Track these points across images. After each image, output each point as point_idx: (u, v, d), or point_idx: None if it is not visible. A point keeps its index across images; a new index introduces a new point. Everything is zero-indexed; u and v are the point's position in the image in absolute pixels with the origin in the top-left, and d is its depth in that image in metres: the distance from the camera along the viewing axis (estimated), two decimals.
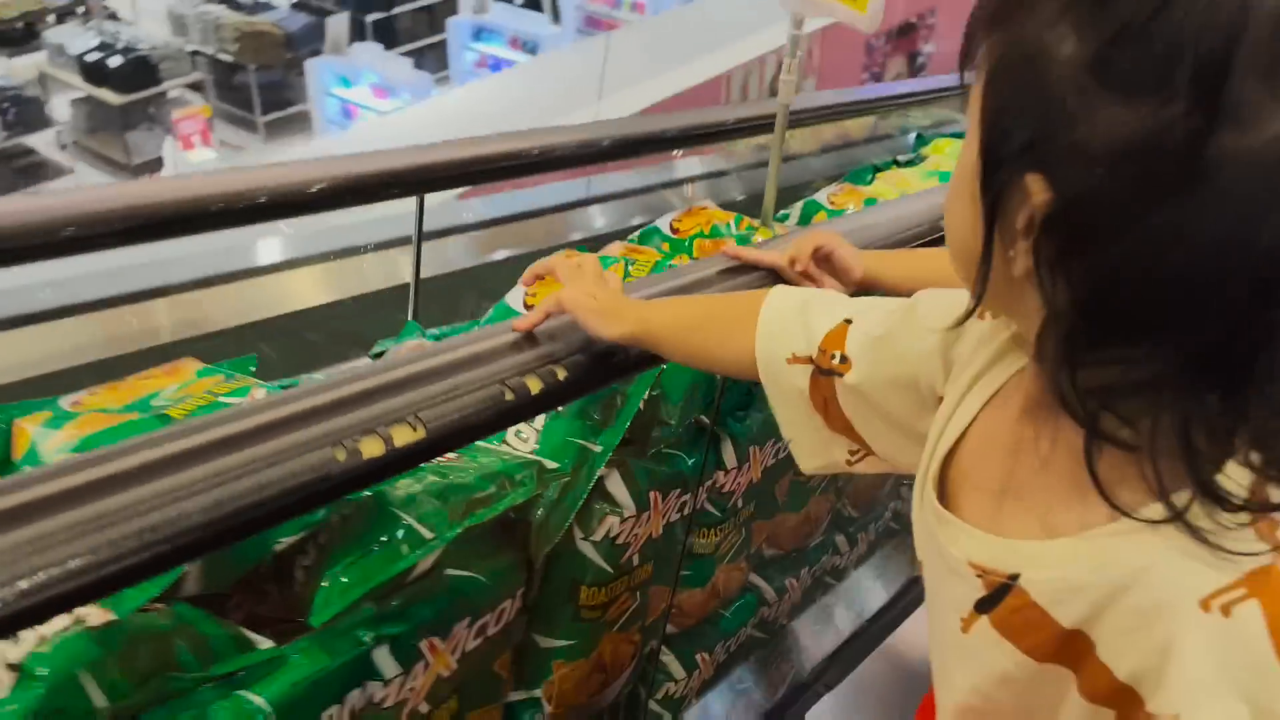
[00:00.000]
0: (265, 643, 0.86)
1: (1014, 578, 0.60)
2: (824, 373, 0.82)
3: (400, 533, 0.92)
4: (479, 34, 10.09)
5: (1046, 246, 0.54)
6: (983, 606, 0.62)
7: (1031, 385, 0.62)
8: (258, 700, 0.82)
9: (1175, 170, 0.48)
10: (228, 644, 0.84)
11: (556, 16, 10.65)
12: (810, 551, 1.76)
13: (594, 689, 1.28)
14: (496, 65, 9.80)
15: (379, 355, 1.37)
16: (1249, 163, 0.47)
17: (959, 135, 2.79)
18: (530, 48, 9.87)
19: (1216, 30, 0.47)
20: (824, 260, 1.12)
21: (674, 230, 1.62)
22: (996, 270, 0.57)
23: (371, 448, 0.78)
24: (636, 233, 1.63)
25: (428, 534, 0.93)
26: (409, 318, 1.50)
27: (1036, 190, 0.53)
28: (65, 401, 1.00)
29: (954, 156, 2.38)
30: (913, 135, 2.77)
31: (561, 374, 0.92)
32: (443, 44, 10.41)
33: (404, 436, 0.80)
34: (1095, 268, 0.52)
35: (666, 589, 1.34)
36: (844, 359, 0.80)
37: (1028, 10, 0.53)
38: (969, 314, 0.62)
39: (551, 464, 1.05)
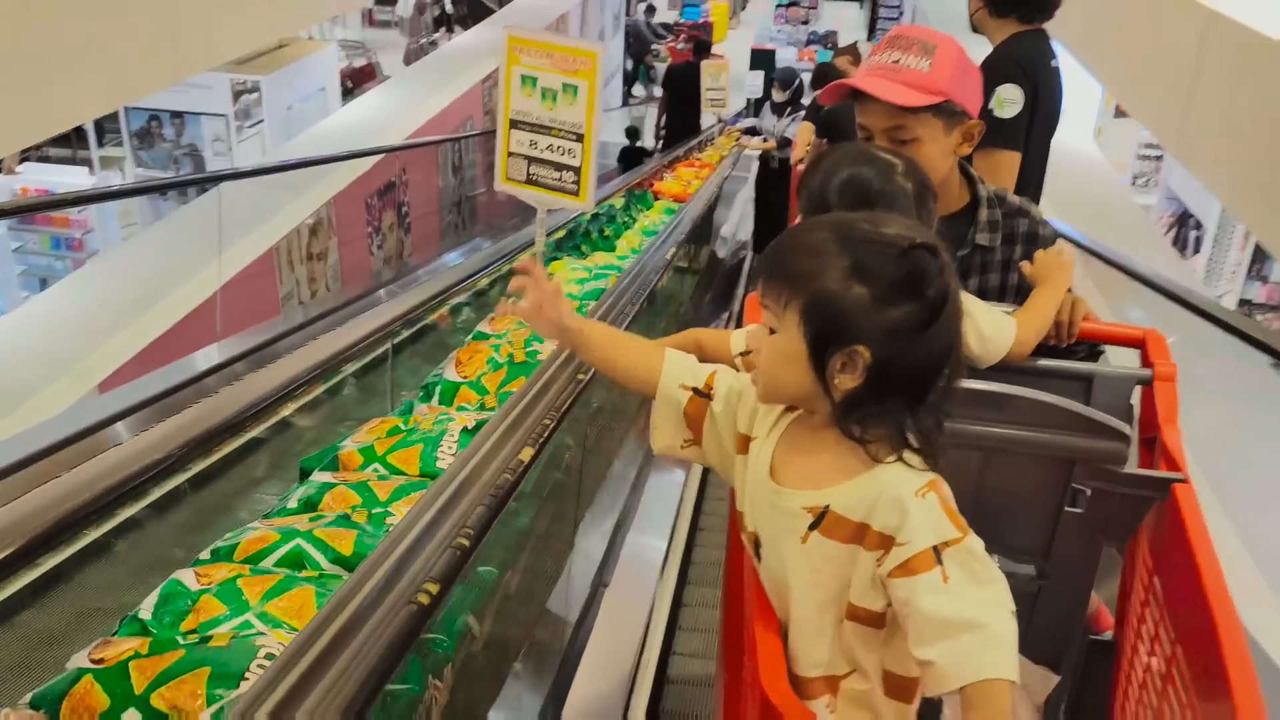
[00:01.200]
0: None
1: (827, 507, 1.17)
2: (703, 395, 1.35)
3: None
4: None
5: (868, 374, 1.12)
6: (813, 526, 1.17)
7: (818, 419, 1.19)
8: None
9: (917, 330, 1.11)
10: None
11: None
12: None
13: None
14: None
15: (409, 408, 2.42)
16: (938, 326, 1.11)
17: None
18: None
19: (925, 281, 1.11)
20: None
21: (494, 330, 2.85)
22: (817, 393, 1.15)
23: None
24: (470, 334, 2.83)
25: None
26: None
27: (864, 353, 1.11)
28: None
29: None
30: None
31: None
32: None
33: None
34: (882, 374, 1.12)
35: None
36: (713, 392, 1.34)
37: (821, 278, 1.13)
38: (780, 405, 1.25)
39: None
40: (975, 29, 2.83)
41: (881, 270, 1.12)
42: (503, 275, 3.48)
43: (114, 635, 1.46)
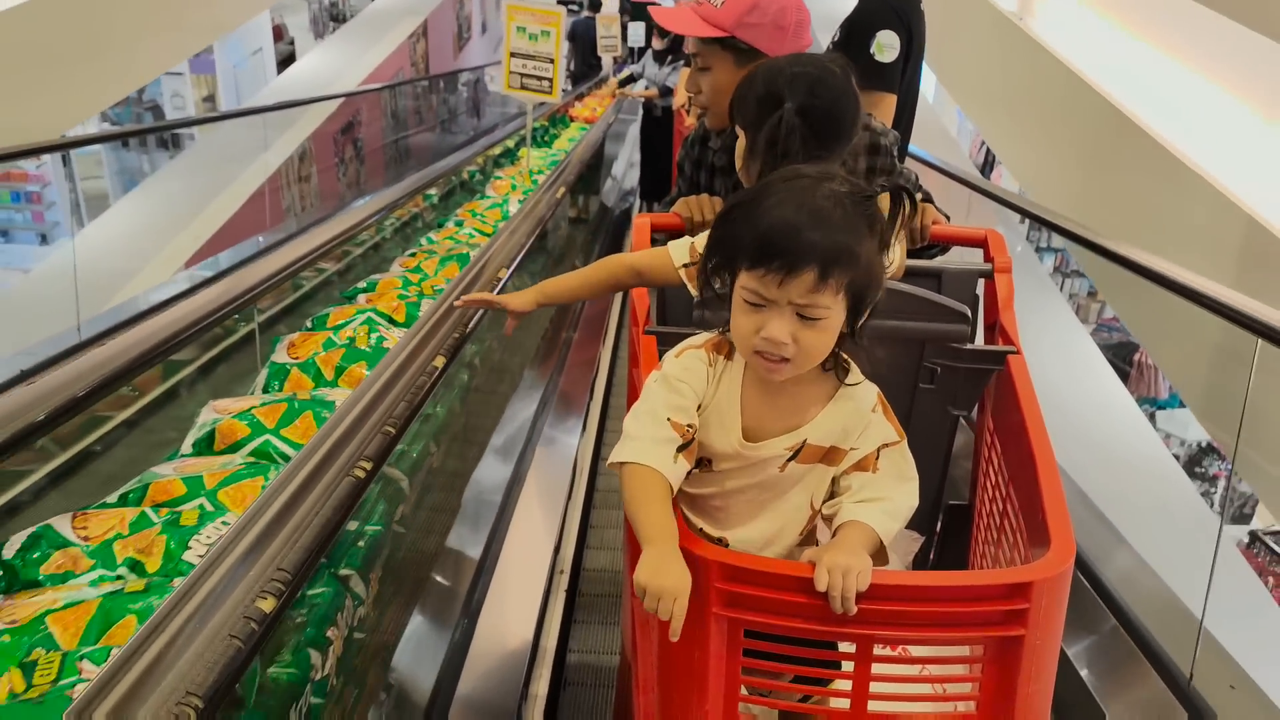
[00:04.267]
0: None
1: (804, 441, 1.29)
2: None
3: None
4: None
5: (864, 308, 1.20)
6: (793, 457, 1.29)
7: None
8: None
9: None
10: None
11: None
12: None
13: None
14: None
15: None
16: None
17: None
18: None
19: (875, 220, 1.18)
20: None
21: (506, 175, 4.93)
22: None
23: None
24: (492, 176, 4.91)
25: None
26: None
27: (880, 294, 1.19)
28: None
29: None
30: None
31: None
32: None
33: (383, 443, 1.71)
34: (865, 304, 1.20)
35: None
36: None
37: (857, 246, 1.15)
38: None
39: None
40: None
41: (875, 218, 1.19)
42: (498, 155, 5.68)
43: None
